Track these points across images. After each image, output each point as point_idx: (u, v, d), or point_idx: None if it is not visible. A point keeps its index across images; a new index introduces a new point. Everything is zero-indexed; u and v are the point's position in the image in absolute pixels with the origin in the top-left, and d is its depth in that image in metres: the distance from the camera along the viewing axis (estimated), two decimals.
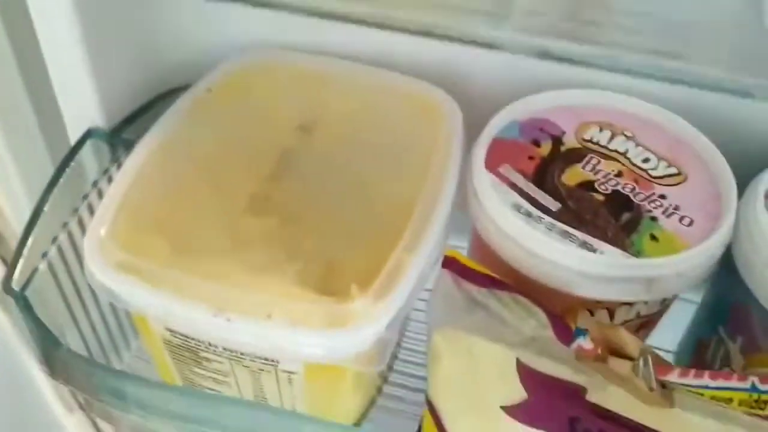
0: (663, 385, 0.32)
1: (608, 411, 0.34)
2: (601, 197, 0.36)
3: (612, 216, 0.35)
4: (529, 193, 0.36)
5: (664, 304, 0.37)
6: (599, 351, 0.30)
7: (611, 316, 0.36)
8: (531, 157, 0.38)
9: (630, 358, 0.30)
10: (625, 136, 0.39)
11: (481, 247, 0.38)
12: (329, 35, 0.44)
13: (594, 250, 0.34)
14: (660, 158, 0.38)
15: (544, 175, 0.37)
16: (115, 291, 0.32)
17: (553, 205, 0.36)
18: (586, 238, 0.34)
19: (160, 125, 0.38)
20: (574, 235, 0.34)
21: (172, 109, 0.39)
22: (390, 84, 0.41)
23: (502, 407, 0.36)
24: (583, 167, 0.38)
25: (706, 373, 0.30)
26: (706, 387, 0.30)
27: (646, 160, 0.38)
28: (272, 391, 0.36)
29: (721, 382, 0.30)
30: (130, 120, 0.41)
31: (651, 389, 0.31)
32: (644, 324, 0.38)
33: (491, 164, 0.38)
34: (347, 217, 0.35)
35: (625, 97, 0.41)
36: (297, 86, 0.41)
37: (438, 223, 0.35)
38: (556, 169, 0.38)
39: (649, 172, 0.38)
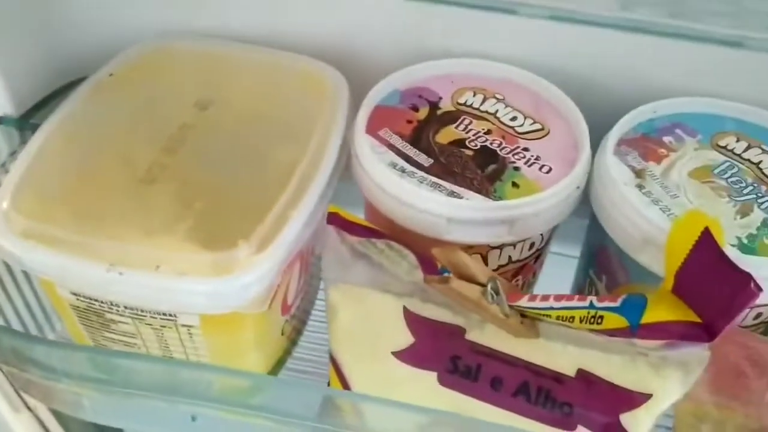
0: (522, 314, 0.36)
1: (485, 347, 0.37)
2: (470, 152, 0.40)
3: (479, 168, 0.39)
4: (405, 152, 0.40)
5: (534, 250, 0.41)
6: (448, 275, 0.33)
7: (485, 261, 0.40)
8: (409, 121, 0.42)
9: (480, 284, 0.33)
10: (497, 98, 0.43)
11: (369, 206, 0.41)
12: (232, 20, 0.47)
13: (460, 198, 0.37)
14: (526, 116, 0.42)
15: (420, 136, 0.41)
16: (20, 257, 0.35)
17: (426, 161, 0.39)
18: (454, 188, 0.38)
19: (64, 107, 0.41)
20: (443, 186, 0.38)
21: (75, 93, 0.42)
22: (283, 63, 0.45)
23: (392, 353, 0.39)
24: (456, 127, 0.41)
25: (551, 297, 0.34)
26: (551, 308, 0.34)
27: (513, 119, 0.42)
28: (177, 348, 0.39)
29: (564, 303, 0.33)
30: (39, 106, 0.44)
31: (506, 315, 0.34)
32: (520, 270, 0.41)
33: (372, 129, 0.41)
34: (237, 181, 0.38)
35: (498, 64, 0.44)
36: (196, 68, 0.45)
37: (319, 181, 0.38)
38: (431, 130, 0.41)
39: (516, 128, 0.41)
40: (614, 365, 0.36)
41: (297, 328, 0.44)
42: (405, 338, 0.39)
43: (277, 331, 0.41)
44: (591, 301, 0.33)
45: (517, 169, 0.39)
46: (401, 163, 0.39)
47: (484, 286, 0.33)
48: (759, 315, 0.37)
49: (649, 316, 0.32)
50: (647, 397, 0.35)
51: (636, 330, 0.32)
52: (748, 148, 0.40)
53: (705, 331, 0.31)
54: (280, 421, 0.39)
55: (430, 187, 0.38)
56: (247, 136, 0.41)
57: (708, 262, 0.32)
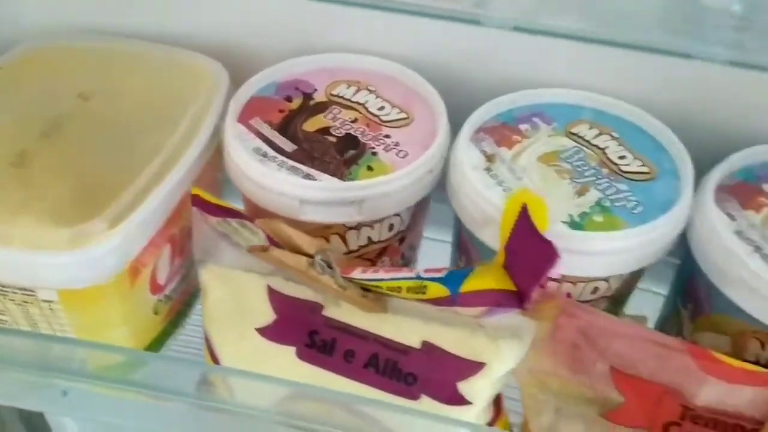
0: (365, 288, 0.37)
1: (339, 322, 0.39)
2: (333, 139, 0.42)
3: (338, 153, 0.41)
4: (271, 138, 0.42)
5: (395, 232, 0.43)
6: (268, 244, 0.35)
7: (344, 241, 0.42)
8: (281, 111, 0.44)
9: (308, 255, 0.35)
10: (369, 90, 0.45)
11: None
12: (126, 18, 0.50)
13: (314, 180, 0.39)
14: (394, 106, 0.44)
15: (288, 124, 0.43)
16: None
17: (290, 147, 0.41)
18: (310, 171, 0.40)
19: None
20: (300, 170, 0.40)
21: None
22: (168, 57, 0.47)
23: (256, 329, 0.41)
24: (325, 116, 0.44)
25: (381, 269, 0.36)
26: (382, 279, 0.36)
27: (381, 108, 0.44)
28: (43, 324, 0.40)
29: (392, 275, 0.35)
30: None
31: (342, 287, 0.36)
32: (383, 251, 0.43)
33: (244, 118, 0.43)
34: (105, 164, 0.40)
35: (373, 59, 0.47)
36: (84, 63, 0.47)
37: (183, 164, 0.40)
38: (301, 119, 0.43)
39: (382, 117, 0.44)
40: (455, 337, 0.38)
41: (178, 310, 0.46)
42: (268, 315, 0.41)
43: (147, 310, 0.42)
44: (418, 273, 0.35)
45: (375, 154, 0.41)
46: (265, 148, 0.41)
47: (312, 257, 0.35)
48: (596, 289, 0.39)
49: (468, 286, 0.34)
50: (482, 365, 0.37)
51: (456, 298, 0.34)
52: (599, 135, 0.43)
53: (517, 297, 0.33)
54: (156, 396, 0.41)
55: (288, 171, 0.40)
56: (123, 124, 0.43)
57: (525, 236, 0.34)
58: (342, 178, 0.40)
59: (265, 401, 0.41)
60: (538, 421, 0.40)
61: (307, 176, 0.40)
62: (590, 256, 0.37)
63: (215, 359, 0.43)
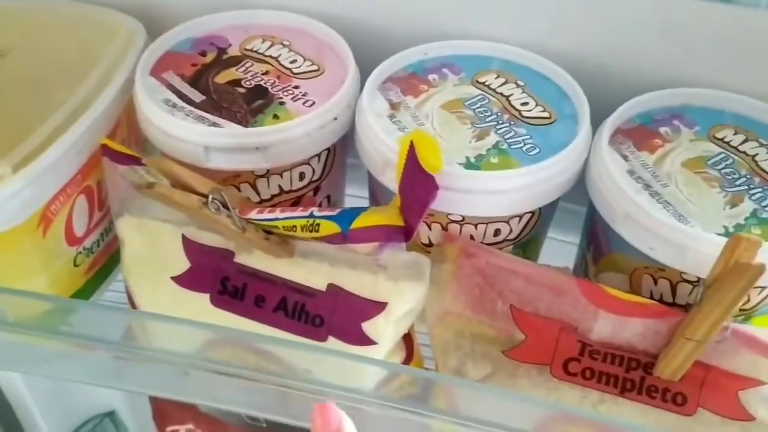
0: (269, 231, 0.38)
1: (250, 268, 0.40)
2: (243, 90, 0.43)
3: (246, 103, 0.42)
4: (181, 90, 0.43)
5: (308, 181, 0.43)
6: (153, 182, 0.36)
7: (256, 189, 0.42)
8: (194, 65, 0.44)
9: (202, 195, 0.36)
10: (283, 44, 0.46)
11: None
12: None
13: (220, 128, 0.40)
14: (306, 59, 0.45)
15: (200, 77, 0.44)
16: None
17: (198, 98, 0.42)
18: (217, 120, 0.41)
19: None
20: (207, 119, 0.41)
21: None
22: (85, 14, 0.47)
23: (171, 278, 0.42)
24: (237, 69, 0.44)
25: (278, 209, 0.37)
26: (277, 219, 0.36)
27: (293, 62, 0.45)
28: None
29: (288, 214, 0.36)
30: None
31: (241, 228, 0.37)
32: (298, 201, 0.44)
33: (157, 71, 0.44)
34: (15, 116, 0.40)
35: (290, 14, 0.47)
36: (1, 20, 0.47)
37: (91, 114, 0.40)
38: (213, 72, 0.44)
39: (293, 70, 0.44)
40: (358, 279, 0.39)
41: (103, 263, 0.47)
42: (183, 264, 0.42)
43: (65, 261, 0.43)
44: (312, 211, 0.36)
45: (282, 103, 0.42)
46: (174, 100, 0.42)
47: (205, 196, 0.36)
48: (498, 231, 0.40)
49: (358, 223, 0.35)
50: (383, 305, 0.38)
51: (347, 234, 0.35)
52: (505, 83, 0.43)
53: (403, 231, 0.34)
54: (83, 345, 0.41)
55: (194, 120, 0.41)
56: (36, 79, 0.43)
57: (411, 173, 0.34)
58: (246, 125, 0.40)
59: (183, 347, 0.42)
60: (446, 362, 0.41)
61: (213, 124, 0.40)
62: (485, 195, 0.38)
63: (135, 308, 0.44)
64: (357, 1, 0.48)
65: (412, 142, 0.34)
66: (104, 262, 0.47)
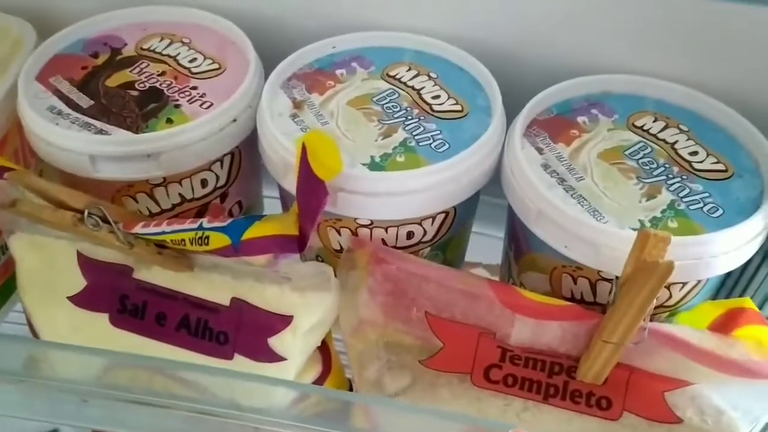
0: (162, 245, 0.36)
1: (149, 284, 0.37)
2: (135, 93, 0.40)
3: (138, 107, 0.39)
4: (69, 95, 0.39)
5: (213, 188, 0.41)
6: (15, 199, 0.33)
7: (155, 200, 0.39)
8: (84, 67, 0.41)
9: (77, 210, 0.33)
10: (183, 42, 0.43)
11: None
12: None
13: (107, 135, 0.37)
14: (207, 57, 0.42)
15: (90, 80, 0.41)
16: None
17: (87, 104, 0.39)
18: (104, 126, 0.38)
19: None
20: (94, 125, 0.38)
21: None
22: None
23: (68, 297, 0.39)
24: (131, 71, 0.41)
25: (165, 222, 0.34)
26: (164, 233, 0.34)
27: (193, 60, 0.42)
28: None
29: (175, 227, 0.34)
30: None
31: (128, 244, 0.34)
32: (204, 209, 0.41)
33: (44, 76, 0.41)
34: None
35: (190, 10, 0.44)
36: None
37: None
38: (104, 75, 0.41)
39: (192, 69, 0.41)
40: (263, 292, 0.36)
41: (3, 284, 0.44)
42: (79, 282, 0.39)
43: None
44: (201, 223, 0.33)
45: (177, 106, 0.39)
46: (60, 106, 0.39)
47: (80, 212, 0.33)
48: (411, 234, 0.38)
49: (250, 234, 0.32)
50: (290, 318, 0.36)
51: (238, 247, 0.33)
52: (417, 75, 0.41)
53: (297, 241, 0.32)
54: None
55: (80, 127, 0.38)
56: None
57: (305, 177, 0.32)
58: (137, 131, 0.38)
59: (83, 372, 0.39)
60: (364, 374, 0.38)
61: (100, 132, 0.37)
62: (392, 197, 0.35)
63: (34, 332, 0.41)
64: None
65: (303, 144, 0.32)
66: (3, 282, 0.44)
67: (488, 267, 0.50)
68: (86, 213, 0.33)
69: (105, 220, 0.33)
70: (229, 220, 0.33)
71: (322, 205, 0.30)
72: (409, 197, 0.36)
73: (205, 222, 0.33)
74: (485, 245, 0.48)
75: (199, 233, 0.33)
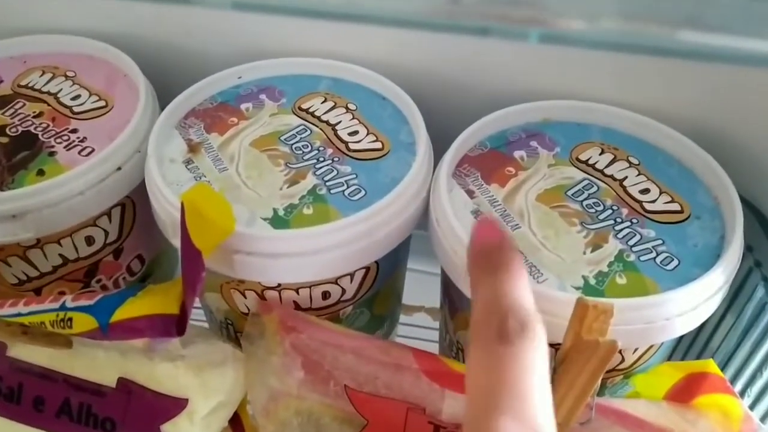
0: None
1: (25, 363, 0.32)
2: (5, 140, 0.34)
3: (6, 157, 0.33)
4: None
5: (102, 244, 0.35)
6: None
7: (30, 263, 0.34)
8: None
9: None
10: (67, 76, 0.38)
11: None
12: None
13: None
14: (93, 93, 0.37)
15: None
16: None
17: None
18: None
19: None
20: None
21: None
22: None
23: None
24: (4, 113, 0.36)
25: (22, 300, 0.29)
26: (20, 314, 0.28)
27: (76, 97, 0.37)
28: None
29: (33, 307, 0.28)
30: None
31: None
32: (95, 268, 0.36)
33: None
34: None
35: (76, 38, 0.39)
36: None
37: None
38: None
39: (74, 108, 0.36)
40: (154, 370, 0.31)
41: None
42: None
43: None
44: (64, 302, 0.28)
45: (52, 154, 0.34)
46: None
47: None
48: (327, 295, 0.33)
49: (121, 313, 0.27)
50: (184, 402, 0.31)
51: (106, 330, 0.27)
52: (333, 107, 0.36)
53: (175, 322, 0.27)
54: None
55: None
56: None
57: (186, 242, 0.27)
58: (1, 187, 0.32)
59: None
60: None
61: None
62: (298, 257, 0.30)
63: None
64: (160, 22, 0.40)
65: (183, 204, 0.27)
66: None
67: (431, 311, 0.45)
68: None
69: None
70: (98, 297, 0.28)
71: (199, 280, 0.25)
72: (320, 256, 0.30)
73: (68, 301, 0.28)
74: (426, 285, 0.43)
75: (61, 314, 0.28)
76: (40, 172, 0.33)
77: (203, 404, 0.31)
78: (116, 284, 0.38)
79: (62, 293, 0.37)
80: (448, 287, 0.34)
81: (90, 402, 0.32)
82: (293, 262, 0.30)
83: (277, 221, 0.31)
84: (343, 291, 0.33)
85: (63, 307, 0.28)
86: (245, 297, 0.33)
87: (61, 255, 0.34)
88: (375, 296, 0.35)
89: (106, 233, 0.35)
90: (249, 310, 0.34)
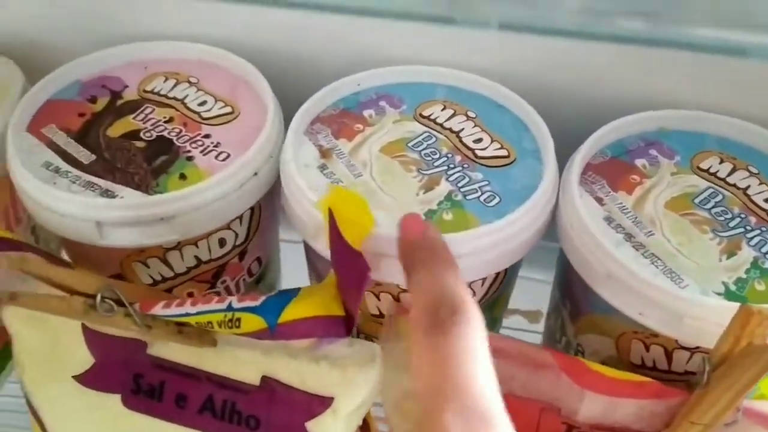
0: (181, 323, 0.31)
1: (167, 361, 0.33)
2: (142, 144, 0.35)
3: (146, 161, 0.35)
4: (66, 149, 0.35)
5: (231, 247, 0.36)
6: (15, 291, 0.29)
7: (168, 265, 0.35)
8: (82, 114, 0.37)
9: (90, 296, 0.29)
10: (190, 82, 0.39)
11: None
12: None
13: (114, 197, 0.33)
14: (218, 100, 0.38)
15: (89, 130, 0.36)
16: None
17: (87, 158, 0.35)
18: (109, 186, 0.33)
19: None
20: (97, 185, 0.33)
21: None
22: None
23: (73, 377, 0.35)
24: (135, 118, 0.37)
25: (188, 301, 0.30)
26: (188, 314, 0.29)
27: (203, 103, 0.38)
28: None
29: (200, 307, 0.29)
30: None
31: (146, 326, 0.30)
32: (222, 269, 0.37)
33: (37, 126, 0.36)
34: None
35: (195, 45, 0.40)
36: None
37: None
38: (104, 123, 0.37)
39: (202, 114, 0.37)
40: (298, 369, 0.32)
41: None
42: (86, 359, 0.34)
43: None
44: (230, 303, 0.29)
45: (190, 158, 0.35)
46: (58, 162, 0.34)
47: (92, 296, 0.28)
48: None
49: (289, 314, 0.28)
50: (330, 400, 0.32)
51: (274, 330, 0.28)
52: (454, 115, 0.37)
53: (344, 323, 0.28)
54: None
55: (82, 188, 0.33)
56: None
57: (338, 245, 0.28)
58: (147, 191, 0.33)
59: None
60: None
61: (106, 192, 0.33)
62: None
63: (34, 413, 0.37)
64: (277, 29, 0.41)
65: (330, 210, 0.28)
66: None
67: (527, 314, 0.46)
68: (99, 298, 0.28)
69: (120, 303, 0.29)
70: (262, 299, 0.29)
71: (364, 281, 0.26)
72: (458, 261, 0.32)
73: (234, 301, 0.29)
74: (522, 289, 0.45)
75: (229, 315, 0.29)
76: (182, 176, 0.34)
77: (348, 402, 0.32)
78: (237, 286, 0.39)
79: (190, 294, 0.38)
80: (572, 289, 0.35)
81: (234, 399, 0.33)
82: None
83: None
84: (473, 293, 0.34)
85: (230, 308, 0.29)
86: (379, 299, 0.34)
87: (196, 256, 0.36)
88: (497, 300, 0.37)
89: (236, 235, 0.36)
90: (380, 312, 0.35)
